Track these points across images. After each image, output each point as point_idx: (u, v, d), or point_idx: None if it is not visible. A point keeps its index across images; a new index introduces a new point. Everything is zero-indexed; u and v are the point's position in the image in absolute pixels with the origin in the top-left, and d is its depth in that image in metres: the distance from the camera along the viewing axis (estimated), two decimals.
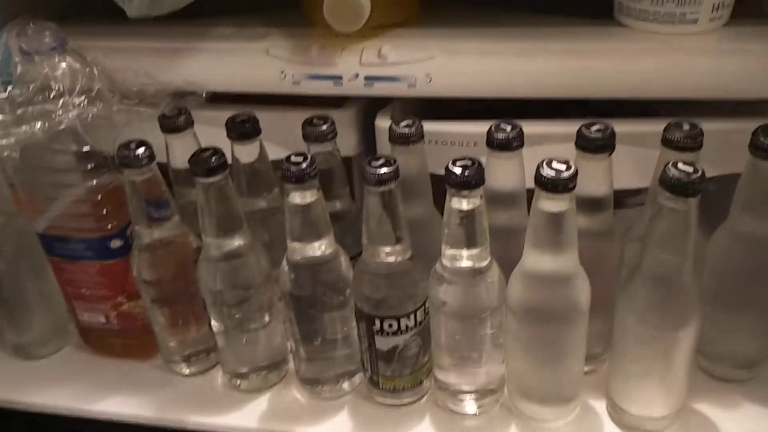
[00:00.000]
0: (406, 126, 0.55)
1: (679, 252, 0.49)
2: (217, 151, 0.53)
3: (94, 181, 0.59)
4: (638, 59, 0.58)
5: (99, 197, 0.60)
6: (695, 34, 0.59)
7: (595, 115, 0.53)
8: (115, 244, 0.62)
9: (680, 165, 0.46)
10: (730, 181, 0.55)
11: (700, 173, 0.46)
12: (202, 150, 0.54)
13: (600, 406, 0.60)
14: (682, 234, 0.48)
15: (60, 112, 0.55)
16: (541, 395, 0.58)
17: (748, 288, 0.56)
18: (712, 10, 0.58)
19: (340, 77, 0.60)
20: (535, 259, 0.51)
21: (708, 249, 0.57)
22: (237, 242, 0.57)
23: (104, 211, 0.60)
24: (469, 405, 0.60)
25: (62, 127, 0.55)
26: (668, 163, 0.47)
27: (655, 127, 0.53)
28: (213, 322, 0.61)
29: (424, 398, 0.62)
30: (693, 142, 0.51)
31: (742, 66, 0.57)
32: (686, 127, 0.52)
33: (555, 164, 0.47)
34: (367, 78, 0.60)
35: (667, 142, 0.52)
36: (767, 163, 0.51)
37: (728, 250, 0.56)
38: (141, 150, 0.55)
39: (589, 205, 0.53)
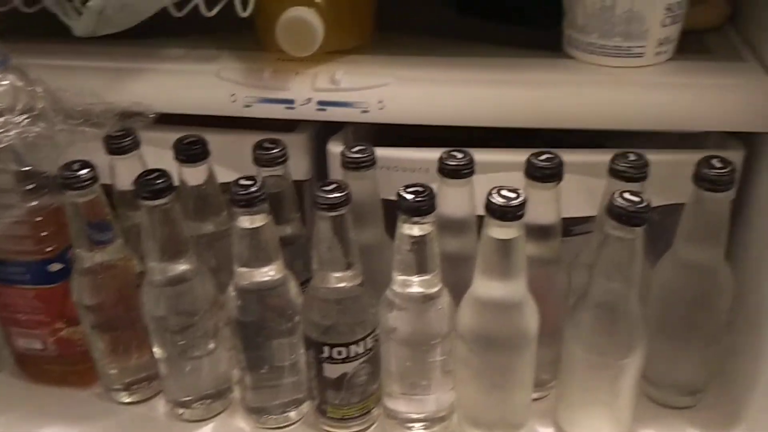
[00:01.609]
0: (358, 151, 0.55)
1: (625, 280, 0.50)
2: (163, 173, 0.52)
3: (34, 202, 0.57)
4: (586, 91, 0.59)
5: (39, 219, 0.58)
6: (641, 67, 0.60)
7: (544, 145, 0.54)
8: (55, 267, 0.60)
9: (626, 195, 0.47)
10: (674, 210, 0.56)
11: (645, 203, 0.47)
12: (148, 172, 0.52)
13: None
14: (628, 262, 0.49)
15: (0, 131, 0.53)
16: (490, 422, 0.58)
17: (691, 316, 0.57)
18: (657, 45, 0.60)
19: (292, 101, 0.60)
20: (484, 286, 0.52)
21: (653, 277, 0.58)
22: (182, 267, 0.56)
23: (43, 234, 0.58)
24: None
25: (2, 145, 0.53)
26: (614, 192, 0.48)
27: (602, 157, 0.55)
28: (155, 349, 0.59)
29: (373, 427, 0.61)
30: (639, 173, 0.52)
31: (686, 99, 0.58)
32: (632, 157, 0.53)
33: (504, 192, 0.48)
34: (320, 103, 0.60)
35: (613, 172, 0.53)
36: (710, 194, 0.52)
37: (672, 279, 0.57)
38: (84, 171, 0.53)
39: (538, 232, 0.54)
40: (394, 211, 0.50)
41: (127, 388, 0.64)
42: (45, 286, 0.60)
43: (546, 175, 0.52)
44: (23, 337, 0.64)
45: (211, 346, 0.59)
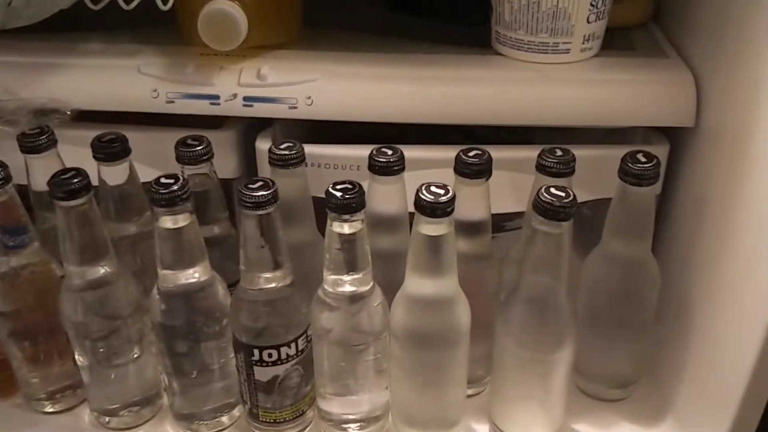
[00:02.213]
0: (286, 148, 0.54)
1: (554, 275, 0.50)
2: (79, 172, 0.50)
3: None
4: (513, 87, 0.59)
5: None
6: (567, 63, 0.61)
7: (476, 141, 0.54)
8: None
9: (552, 190, 0.48)
10: (603, 205, 0.57)
11: (571, 197, 0.47)
12: (63, 171, 0.50)
13: (483, 429, 0.60)
14: (556, 257, 0.49)
15: None
16: (425, 421, 0.58)
17: (620, 310, 0.58)
18: (583, 41, 0.60)
19: (217, 97, 0.59)
20: (415, 283, 0.51)
21: (582, 271, 0.58)
22: (102, 270, 0.53)
23: None
24: None
25: None
26: (541, 188, 0.48)
27: (530, 153, 0.55)
28: (77, 357, 0.57)
29: (307, 429, 0.60)
30: (565, 168, 0.53)
31: (612, 95, 0.59)
32: (559, 153, 0.54)
33: (433, 188, 0.47)
34: (246, 98, 0.59)
35: (540, 167, 0.53)
36: (635, 189, 0.53)
37: (600, 273, 0.58)
38: None
39: (468, 229, 0.54)
40: (324, 209, 0.49)
41: (50, 397, 0.61)
42: None
43: (475, 171, 0.52)
44: None
45: (136, 352, 0.57)
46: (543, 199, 0.47)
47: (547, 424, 0.57)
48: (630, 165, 0.52)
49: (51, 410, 0.62)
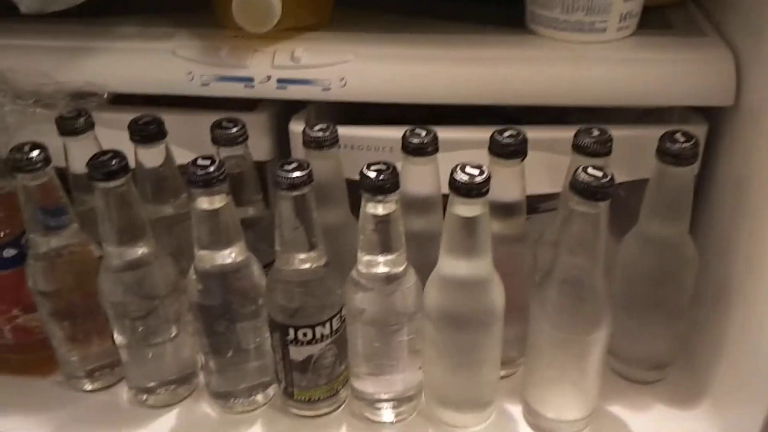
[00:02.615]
0: (320, 130, 0.54)
1: (590, 256, 0.50)
2: (117, 154, 0.51)
3: None
4: (549, 67, 0.58)
5: None
6: (604, 42, 0.60)
7: (509, 123, 0.53)
8: (8, 253, 0.58)
9: (590, 170, 0.47)
10: (640, 186, 0.56)
11: (609, 177, 0.46)
12: (101, 153, 0.51)
13: (516, 410, 0.60)
14: (593, 238, 0.49)
15: None
16: (458, 401, 0.58)
17: (656, 291, 0.58)
18: (619, 20, 0.59)
19: (251, 79, 0.59)
20: (450, 264, 0.51)
21: (618, 253, 0.58)
22: (140, 251, 0.54)
23: None
24: (387, 413, 0.59)
25: None
26: (578, 168, 0.47)
27: (566, 133, 0.54)
28: (116, 336, 0.58)
29: (341, 408, 0.61)
30: (602, 148, 0.52)
31: (649, 74, 0.58)
32: (596, 133, 0.53)
33: (468, 169, 0.47)
34: (279, 81, 0.59)
35: (577, 147, 0.53)
36: (673, 169, 0.52)
37: (637, 254, 0.57)
38: (35, 153, 0.52)
39: (503, 210, 0.53)
40: (358, 191, 0.49)
41: (89, 375, 0.62)
42: None
43: (510, 151, 0.51)
44: None
45: (174, 331, 0.58)
46: (580, 178, 0.46)
47: (582, 405, 0.57)
48: (669, 145, 0.52)
49: (89, 388, 0.63)
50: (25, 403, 0.62)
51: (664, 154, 0.52)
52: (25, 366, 0.64)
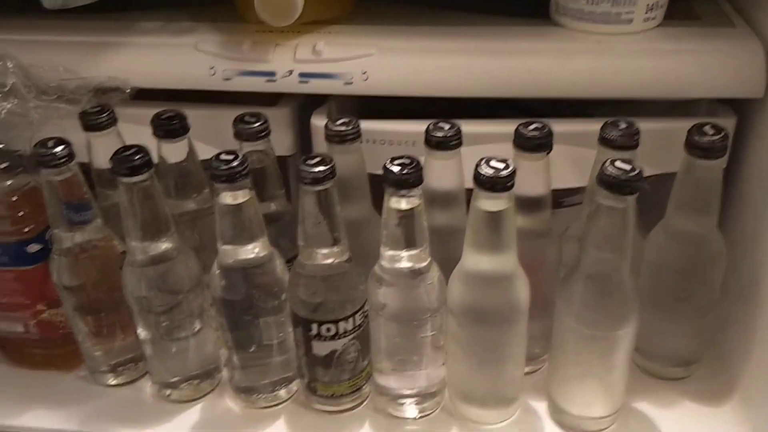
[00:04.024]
0: (343, 124, 0.53)
1: (617, 250, 0.49)
2: (141, 149, 0.51)
3: (9, 182, 0.56)
4: (574, 59, 0.58)
5: (14, 198, 0.56)
6: (630, 34, 0.59)
7: (532, 117, 0.52)
8: (33, 248, 0.58)
9: (618, 163, 0.46)
10: (666, 180, 0.55)
11: (637, 171, 0.46)
12: (125, 148, 0.51)
13: (541, 406, 0.60)
14: (620, 232, 0.48)
15: None
16: (482, 397, 0.57)
17: (684, 287, 0.57)
18: (646, 11, 0.59)
19: (273, 74, 0.59)
20: (474, 260, 0.51)
21: (645, 248, 0.57)
22: (164, 246, 0.54)
23: (20, 214, 0.57)
24: (410, 409, 0.58)
25: None
26: (606, 161, 0.47)
27: (592, 126, 0.53)
28: (140, 331, 0.58)
29: (364, 404, 0.60)
30: (630, 141, 0.51)
31: (676, 66, 0.57)
32: (623, 125, 0.52)
33: (494, 163, 0.47)
34: (301, 75, 0.58)
35: (604, 140, 0.52)
36: (702, 162, 0.51)
37: (664, 249, 0.56)
38: (59, 148, 0.52)
39: (528, 204, 0.53)
40: (380, 185, 0.49)
41: (113, 370, 0.63)
42: (24, 268, 0.59)
43: (536, 145, 0.50)
44: (4, 321, 0.62)
45: (197, 326, 0.58)
46: (608, 172, 0.46)
47: (608, 402, 0.56)
48: (697, 137, 0.51)
49: (113, 383, 0.63)
50: (50, 398, 0.62)
51: (692, 147, 0.51)
52: (49, 360, 0.64)
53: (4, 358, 0.66)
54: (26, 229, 0.58)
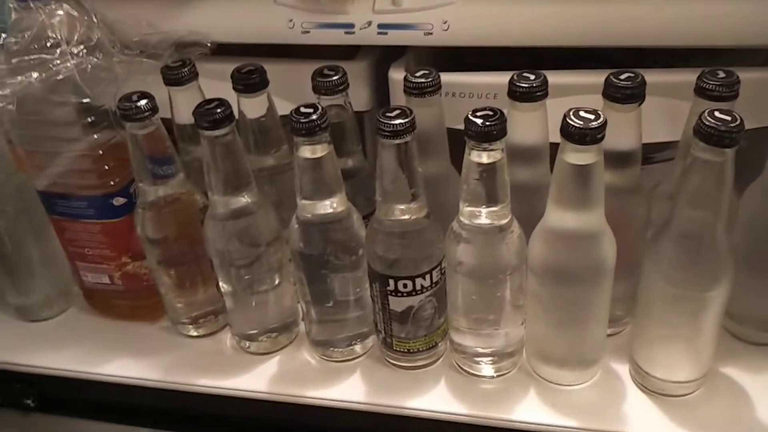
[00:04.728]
0: (422, 75, 0.52)
1: (712, 208, 0.47)
2: (222, 103, 0.51)
3: (95, 136, 0.57)
4: (668, 4, 0.54)
5: (100, 152, 0.58)
6: None
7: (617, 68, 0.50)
8: (118, 201, 0.60)
9: (717, 113, 0.44)
10: (762, 135, 0.52)
11: (738, 121, 0.43)
12: (207, 102, 0.51)
13: (623, 369, 0.58)
14: (716, 188, 0.45)
15: (58, 62, 0.52)
16: (562, 358, 0.56)
17: None
18: None
19: (352, 25, 0.58)
20: (558, 216, 0.49)
21: (740, 206, 0.54)
22: (245, 200, 0.55)
23: (106, 167, 0.58)
24: (486, 368, 0.58)
25: (60, 77, 0.52)
26: (704, 111, 0.44)
27: (687, 76, 0.51)
28: (221, 284, 0.59)
29: (440, 360, 0.60)
30: (729, 91, 0.48)
31: None
32: (721, 74, 0.49)
33: (583, 114, 0.45)
34: (380, 26, 0.57)
35: (701, 91, 0.49)
36: None
37: (761, 208, 0.53)
38: (143, 102, 0.52)
39: (617, 159, 0.51)
40: (460, 141, 0.48)
41: (194, 321, 0.64)
42: (109, 221, 0.60)
43: (627, 95, 0.48)
44: (90, 272, 0.65)
45: (276, 280, 0.59)
46: (707, 123, 0.43)
47: (694, 366, 0.54)
48: None
49: (195, 334, 0.65)
50: (134, 348, 0.64)
51: None
52: (133, 312, 0.66)
53: (91, 309, 0.68)
54: (111, 183, 0.59)
